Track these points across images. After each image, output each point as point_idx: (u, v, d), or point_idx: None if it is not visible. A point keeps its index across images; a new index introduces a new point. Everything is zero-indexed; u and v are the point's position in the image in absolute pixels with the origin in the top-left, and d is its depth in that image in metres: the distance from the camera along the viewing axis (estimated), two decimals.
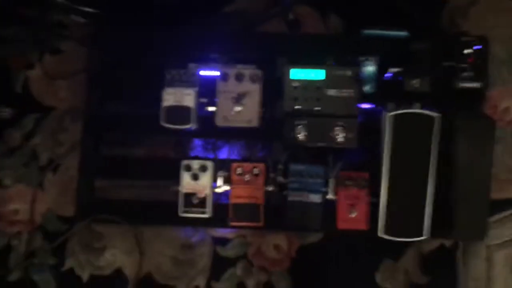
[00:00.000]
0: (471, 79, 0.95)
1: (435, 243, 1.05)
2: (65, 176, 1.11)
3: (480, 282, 1.05)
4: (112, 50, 1.09)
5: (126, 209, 1.04)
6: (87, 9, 1.07)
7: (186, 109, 0.96)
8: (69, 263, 1.09)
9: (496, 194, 1.04)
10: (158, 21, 1.09)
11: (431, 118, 0.91)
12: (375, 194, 0.95)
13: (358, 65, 0.98)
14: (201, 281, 1.07)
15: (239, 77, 0.97)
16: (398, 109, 0.92)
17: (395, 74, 0.97)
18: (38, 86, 1.15)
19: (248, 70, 0.98)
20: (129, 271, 1.08)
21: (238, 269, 1.07)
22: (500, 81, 1.09)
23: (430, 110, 0.92)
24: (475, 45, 0.96)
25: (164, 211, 1.01)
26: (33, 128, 1.13)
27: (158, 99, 0.97)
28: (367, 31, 1.00)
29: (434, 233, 0.93)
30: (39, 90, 1.15)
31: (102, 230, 1.09)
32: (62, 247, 1.09)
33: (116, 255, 1.09)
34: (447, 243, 1.05)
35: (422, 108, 0.92)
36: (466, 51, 0.95)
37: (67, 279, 1.08)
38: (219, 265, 1.07)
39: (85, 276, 1.08)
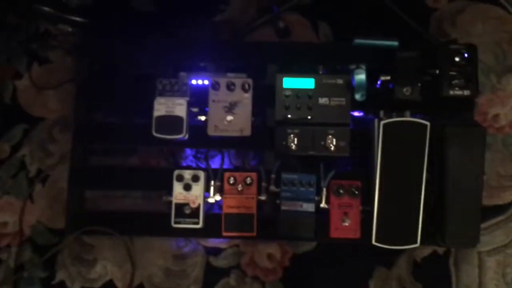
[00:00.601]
0: (460, 87, 0.95)
1: (428, 250, 1.06)
2: (55, 187, 1.10)
3: None
4: (100, 59, 1.09)
5: (117, 220, 1.03)
6: (74, 18, 1.07)
7: (177, 119, 0.95)
8: (59, 276, 1.07)
9: (487, 200, 1.05)
10: (148, 30, 1.09)
11: (422, 126, 0.92)
12: (368, 202, 0.95)
13: (348, 73, 0.98)
14: None
15: (230, 86, 0.97)
16: (389, 117, 0.93)
17: (385, 82, 0.97)
18: (26, 96, 1.14)
19: (239, 79, 0.98)
20: (121, 283, 1.07)
21: (231, 279, 1.06)
22: (489, 88, 1.10)
23: (421, 117, 0.93)
24: (464, 52, 0.96)
25: (156, 221, 1.01)
26: (22, 139, 1.12)
27: (149, 108, 0.96)
28: (358, 40, 1.00)
29: (426, 240, 0.94)
30: (28, 101, 1.14)
31: (92, 242, 1.08)
32: (52, 259, 1.07)
33: (107, 267, 1.07)
34: (440, 250, 1.06)
35: (411, 115, 0.93)
36: (455, 59, 0.96)
37: None
38: (212, 276, 1.06)
39: None
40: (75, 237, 1.05)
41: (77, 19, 1.07)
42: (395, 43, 0.98)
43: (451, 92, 0.96)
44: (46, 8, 1.04)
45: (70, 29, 1.11)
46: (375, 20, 1.13)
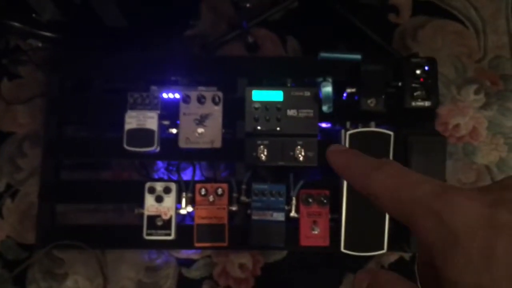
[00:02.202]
0: (422, 98, 0.99)
1: (395, 256, 1.09)
2: (25, 202, 1.09)
3: None
4: (71, 74, 1.09)
5: (88, 234, 1.02)
6: (45, 33, 1.07)
7: (149, 132, 0.97)
8: None
9: None
10: (119, 44, 1.10)
11: (387, 136, 0.95)
12: (336, 210, 0.98)
13: (316, 86, 1.01)
14: None
15: (200, 99, 0.99)
16: (355, 128, 0.96)
17: (351, 94, 1.01)
18: None
19: (209, 92, 1.00)
20: None
21: None
22: (449, 99, 1.15)
23: (385, 128, 0.97)
24: (425, 65, 1.01)
25: (128, 234, 1.01)
26: None
27: (121, 122, 0.97)
28: (323, 54, 1.04)
29: (393, 246, 0.97)
30: None
31: (63, 256, 1.07)
32: (23, 275, 1.06)
33: (79, 281, 1.07)
34: (406, 255, 1.09)
35: (376, 126, 0.97)
36: (417, 72, 1.00)
37: None
38: (184, 287, 1.07)
39: None
40: (46, 251, 1.04)
41: (48, 34, 1.07)
42: (359, 57, 1.02)
43: (413, 103, 1.00)
44: (16, 23, 1.04)
45: (40, 44, 1.11)
46: (341, 35, 1.17)
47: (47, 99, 1.07)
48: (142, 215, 0.98)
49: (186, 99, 0.99)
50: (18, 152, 1.12)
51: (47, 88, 1.09)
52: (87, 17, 1.03)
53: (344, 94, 1.02)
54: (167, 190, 0.98)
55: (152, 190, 0.98)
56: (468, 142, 1.14)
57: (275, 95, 1.00)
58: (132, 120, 0.97)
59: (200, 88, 1.01)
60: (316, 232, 0.98)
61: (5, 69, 1.16)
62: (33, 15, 1.01)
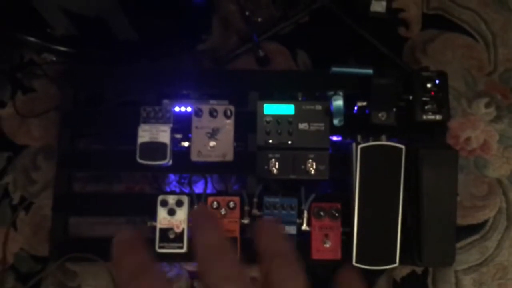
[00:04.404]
0: (433, 112, 1.00)
1: (407, 270, 1.08)
2: (38, 214, 1.10)
3: None
4: (85, 88, 1.10)
5: (101, 246, 1.03)
6: (59, 47, 1.09)
7: (161, 145, 0.98)
8: None
9: (462, 220, 1.09)
10: (131, 59, 1.12)
11: (398, 149, 0.96)
12: (348, 224, 0.98)
13: (327, 99, 1.02)
14: None
15: (212, 113, 1.00)
16: (366, 141, 0.96)
17: (362, 107, 1.02)
18: (10, 125, 1.15)
19: (221, 106, 1.01)
20: None
21: None
22: (460, 112, 1.15)
23: (396, 141, 0.97)
24: (435, 79, 1.01)
25: None
26: (5, 166, 1.12)
27: (133, 135, 0.98)
28: (335, 69, 1.04)
29: (405, 260, 0.97)
30: (11, 129, 1.15)
31: (76, 269, 1.08)
32: (36, 287, 1.07)
33: None
34: (418, 269, 1.08)
35: (387, 139, 0.97)
36: (427, 85, 1.00)
37: None
38: None
39: None
40: (59, 264, 1.04)
41: (62, 48, 1.08)
42: (370, 71, 1.03)
43: (424, 117, 1.00)
44: (31, 38, 1.06)
45: (54, 58, 1.12)
46: (351, 48, 1.18)
47: (61, 112, 1.09)
48: (154, 227, 0.99)
49: (198, 113, 1.00)
50: (32, 165, 1.13)
51: (60, 101, 1.10)
52: (100, 32, 1.05)
53: (355, 108, 1.03)
54: (179, 203, 0.99)
55: (164, 203, 0.99)
56: (479, 155, 1.14)
57: (287, 109, 1.01)
58: (145, 134, 0.98)
59: (212, 101, 1.02)
60: (327, 246, 0.98)
61: (20, 83, 1.17)
62: (48, 29, 1.03)
